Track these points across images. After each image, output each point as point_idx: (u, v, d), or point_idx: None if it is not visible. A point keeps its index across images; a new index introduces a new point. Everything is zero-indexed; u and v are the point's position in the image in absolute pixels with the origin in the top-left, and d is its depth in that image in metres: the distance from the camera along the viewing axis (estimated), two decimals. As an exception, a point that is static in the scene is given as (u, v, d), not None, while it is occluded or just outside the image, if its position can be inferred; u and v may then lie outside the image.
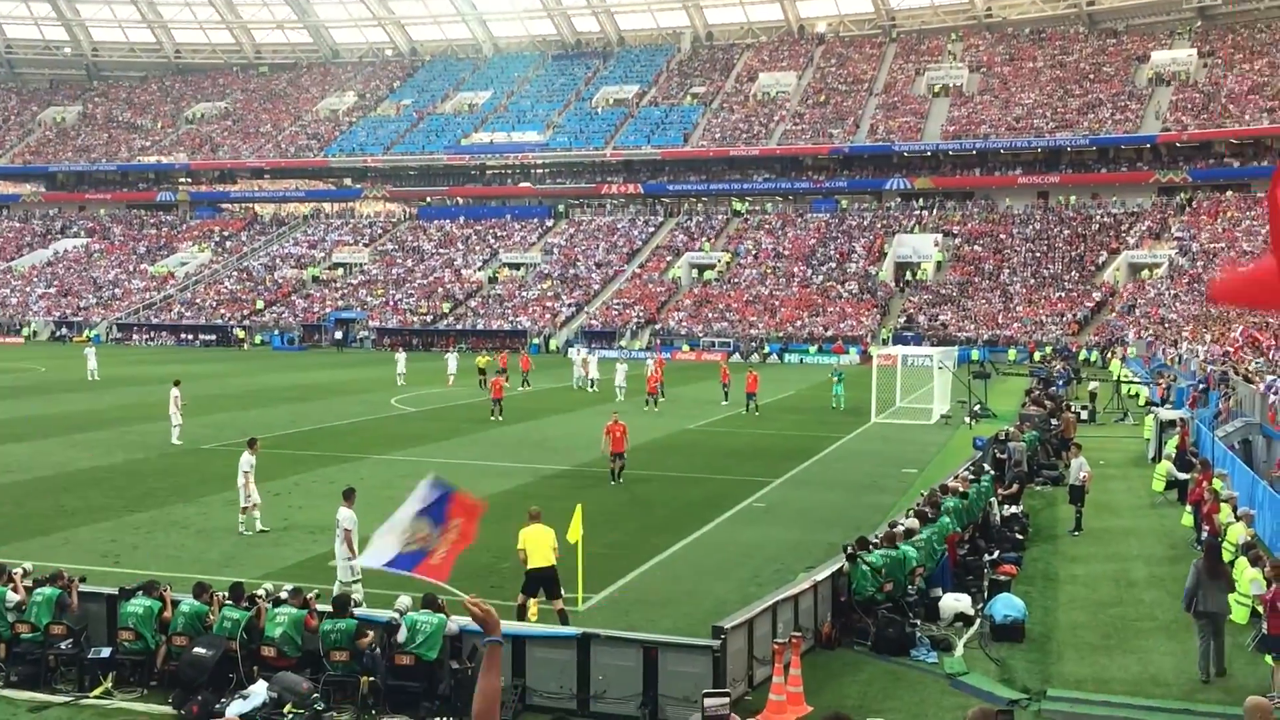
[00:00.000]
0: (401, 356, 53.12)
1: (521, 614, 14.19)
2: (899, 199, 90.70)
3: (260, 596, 12.85)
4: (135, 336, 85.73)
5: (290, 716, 11.34)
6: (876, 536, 16.29)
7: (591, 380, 48.82)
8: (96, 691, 12.35)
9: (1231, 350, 43.14)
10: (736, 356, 68.53)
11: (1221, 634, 13.31)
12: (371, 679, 12.01)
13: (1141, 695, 12.56)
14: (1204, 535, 17.61)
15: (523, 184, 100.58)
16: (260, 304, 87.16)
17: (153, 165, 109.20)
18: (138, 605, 12.81)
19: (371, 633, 12.32)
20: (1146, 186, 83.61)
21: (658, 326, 77.14)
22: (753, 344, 72.78)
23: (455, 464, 27.89)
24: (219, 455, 28.07)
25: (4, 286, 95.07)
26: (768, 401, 42.19)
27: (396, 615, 12.32)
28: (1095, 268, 77.41)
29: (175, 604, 12.90)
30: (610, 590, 16.41)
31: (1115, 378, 44.14)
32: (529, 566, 14.30)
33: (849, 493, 24.83)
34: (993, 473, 22.58)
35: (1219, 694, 12.53)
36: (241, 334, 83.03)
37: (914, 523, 16.76)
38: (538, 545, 14.42)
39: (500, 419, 36.58)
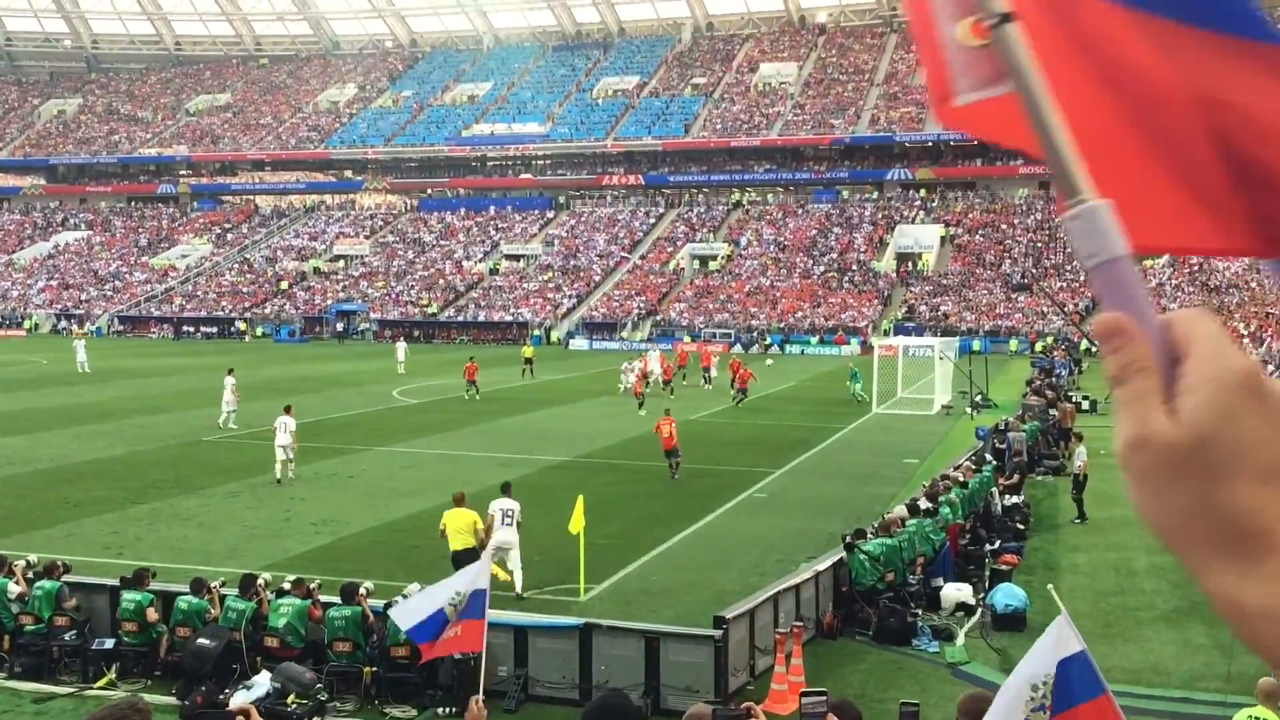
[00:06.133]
0: (402, 346, 53.76)
1: None
2: (900, 189, 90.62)
3: (261, 586, 12.89)
4: (128, 330, 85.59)
5: (294, 706, 11.38)
6: (873, 526, 16.34)
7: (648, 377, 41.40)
8: (100, 682, 12.40)
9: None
10: (738, 348, 68.51)
11: None
12: (374, 669, 12.05)
13: (1143, 684, 12.60)
14: None
15: (523, 175, 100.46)
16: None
17: (153, 158, 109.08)
18: (131, 598, 12.86)
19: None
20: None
21: (659, 318, 77.12)
22: (751, 335, 72.70)
23: (457, 455, 27.93)
24: (221, 447, 28.10)
25: (5, 279, 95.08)
26: (769, 393, 42.20)
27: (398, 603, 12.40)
28: (1096, 258, 77.28)
29: (173, 596, 12.94)
30: (612, 580, 16.45)
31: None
32: (451, 548, 14.77)
33: (850, 483, 24.86)
34: (994, 463, 22.61)
35: (1219, 682, 12.57)
36: (243, 326, 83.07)
37: (902, 511, 16.81)
38: (458, 528, 14.89)
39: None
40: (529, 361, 48.58)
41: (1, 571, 13.49)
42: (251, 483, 23.94)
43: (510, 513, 15.66)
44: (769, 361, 43.12)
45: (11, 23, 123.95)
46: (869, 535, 15.61)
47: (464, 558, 14.49)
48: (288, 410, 24.75)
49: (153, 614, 12.76)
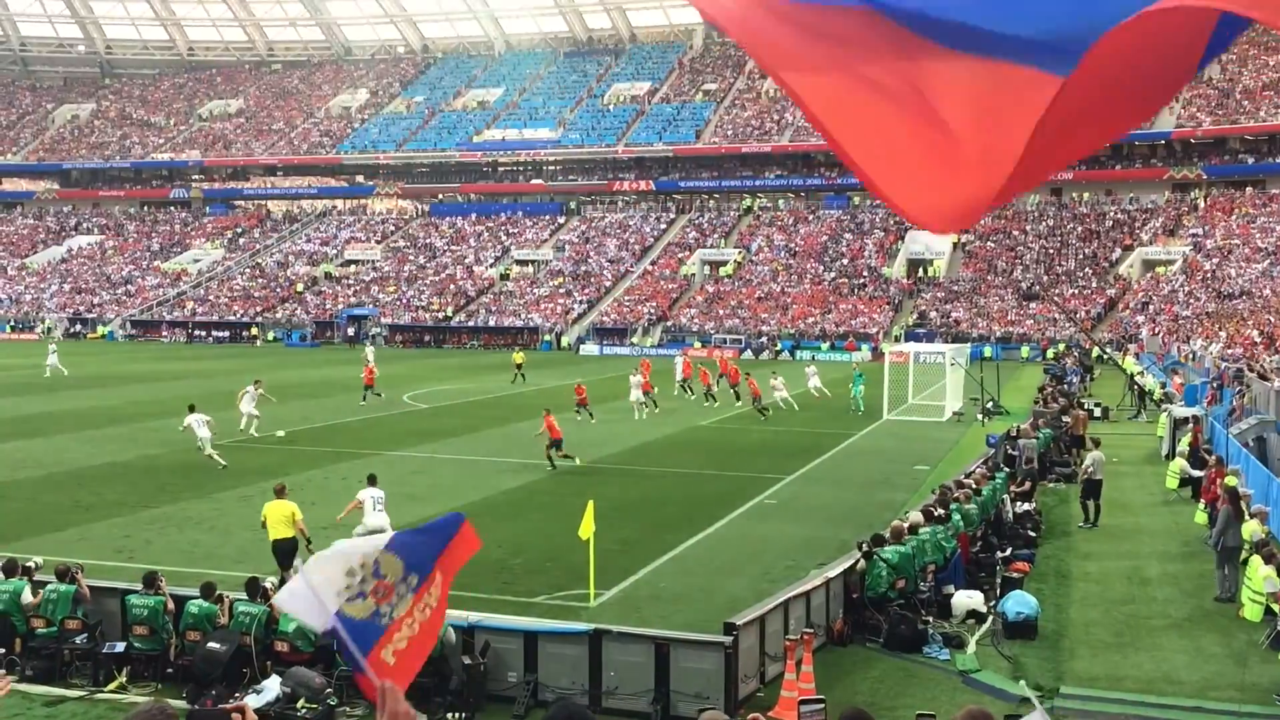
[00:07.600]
0: (370, 350, 56.59)
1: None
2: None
3: (269, 589, 12.90)
4: (140, 334, 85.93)
5: (304, 711, 11.39)
6: (885, 534, 16.27)
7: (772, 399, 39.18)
8: (111, 686, 12.42)
9: (1244, 348, 42.96)
10: (748, 353, 68.47)
11: (1237, 565, 16.02)
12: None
13: (1154, 693, 12.52)
14: (1220, 508, 17.35)
15: (534, 181, 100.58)
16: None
17: (166, 162, 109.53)
18: (144, 602, 12.87)
19: None
20: (1161, 183, 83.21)
21: (670, 323, 77.09)
22: (762, 340, 72.58)
23: (467, 460, 27.95)
24: (233, 452, 28.15)
25: (19, 283, 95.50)
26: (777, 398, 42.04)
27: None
28: (1109, 264, 77.11)
29: (181, 600, 12.94)
30: (622, 586, 16.43)
31: (1129, 374, 43.95)
32: (270, 538, 15.59)
33: (861, 490, 24.79)
34: (1006, 470, 22.54)
35: (1231, 691, 12.49)
36: (255, 331, 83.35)
37: (918, 517, 16.74)
38: (278, 519, 15.56)
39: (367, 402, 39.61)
40: (519, 367, 49.55)
41: (15, 574, 13.52)
42: (263, 487, 23.91)
43: (379, 500, 17.16)
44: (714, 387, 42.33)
45: (26, 28, 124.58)
46: (886, 542, 15.55)
47: (284, 546, 15.46)
48: (191, 410, 27.66)
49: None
